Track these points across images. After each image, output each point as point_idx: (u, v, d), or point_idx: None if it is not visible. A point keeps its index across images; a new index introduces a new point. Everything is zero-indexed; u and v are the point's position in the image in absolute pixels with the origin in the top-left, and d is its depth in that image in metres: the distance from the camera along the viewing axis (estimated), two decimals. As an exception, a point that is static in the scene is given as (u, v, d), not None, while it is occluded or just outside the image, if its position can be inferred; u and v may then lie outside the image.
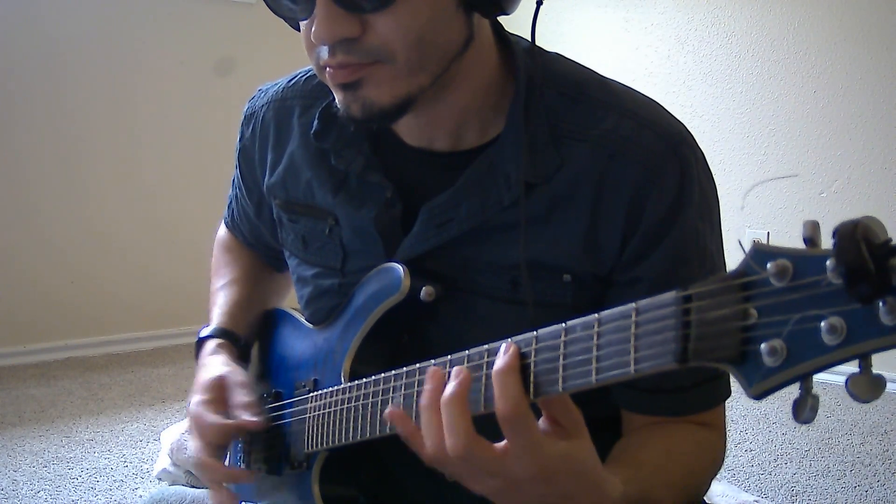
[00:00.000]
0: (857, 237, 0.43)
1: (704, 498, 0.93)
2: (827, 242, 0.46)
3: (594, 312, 0.61)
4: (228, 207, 1.21)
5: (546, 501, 0.68)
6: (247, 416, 0.93)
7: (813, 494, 2.11)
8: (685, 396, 0.88)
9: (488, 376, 0.66)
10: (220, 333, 1.08)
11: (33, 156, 3.17)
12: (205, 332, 1.08)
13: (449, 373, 0.69)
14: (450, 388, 0.67)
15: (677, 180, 0.84)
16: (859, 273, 0.43)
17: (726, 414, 0.94)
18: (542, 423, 0.68)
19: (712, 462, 0.90)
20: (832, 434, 2.49)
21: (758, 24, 3.22)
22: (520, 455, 0.64)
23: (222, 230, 1.25)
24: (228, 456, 1.03)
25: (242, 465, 1.04)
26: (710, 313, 0.52)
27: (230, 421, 0.94)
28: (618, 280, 0.87)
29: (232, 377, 0.98)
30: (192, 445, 0.96)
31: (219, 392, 0.97)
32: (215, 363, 1.02)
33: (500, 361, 0.65)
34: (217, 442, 0.94)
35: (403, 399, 0.77)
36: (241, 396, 0.95)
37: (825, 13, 3.05)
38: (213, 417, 0.94)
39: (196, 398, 0.97)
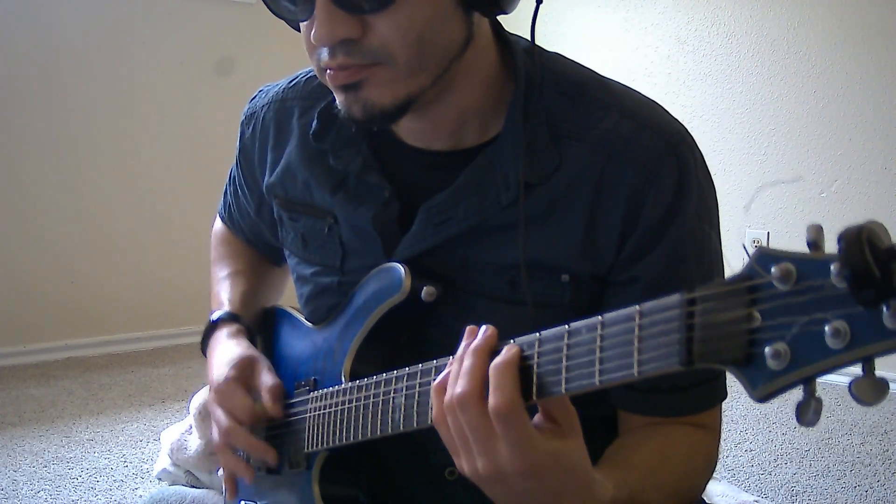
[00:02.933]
0: (862, 242, 0.43)
1: (704, 498, 0.93)
2: (830, 246, 0.46)
3: (593, 312, 0.62)
4: (225, 203, 1.21)
5: (533, 497, 0.68)
6: (269, 400, 0.94)
7: (813, 494, 2.11)
8: (682, 397, 0.88)
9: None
10: (236, 319, 1.08)
11: (33, 155, 3.17)
12: (218, 314, 1.09)
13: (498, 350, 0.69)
14: (477, 340, 0.69)
15: (675, 180, 0.85)
16: (864, 277, 0.43)
17: (726, 414, 0.94)
18: (537, 419, 0.68)
19: (706, 465, 0.90)
20: (832, 434, 2.49)
21: (758, 24, 3.22)
22: (510, 448, 0.65)
23: (218, 223, 1.26)
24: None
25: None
26: (715, 316, 0.52)
27: (258, 406, 0.95)
28: (615, 279, 0.87)
29: (262, 360, 1.00)
30: (217, 414, 0.96)
31: (248, 370, 0.98)
32: (242, 345, 1.02)
33: (499, 357, 0.66)
34: (243, 420, 0.95)
35: (405, 399, 0.77)
36: (269, 379, 0.96)
37: (825, 13, 3.04)
38: (245, 398, 0.95)
39: (224, 372, 0.97)
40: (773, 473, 2.23)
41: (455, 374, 0.69)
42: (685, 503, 0.86)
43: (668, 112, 0.90)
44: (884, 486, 2.16)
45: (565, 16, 3.67)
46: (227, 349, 1.02)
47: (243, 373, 0.98)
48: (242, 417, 0.95)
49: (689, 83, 3.41)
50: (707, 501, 0.95)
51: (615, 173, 0.85)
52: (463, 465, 0.69)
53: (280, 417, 0.96)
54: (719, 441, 0.93)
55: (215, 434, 0.98)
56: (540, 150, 0.86)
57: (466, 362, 0.68)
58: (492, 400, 0.64)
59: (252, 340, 1.08)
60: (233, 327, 1.06)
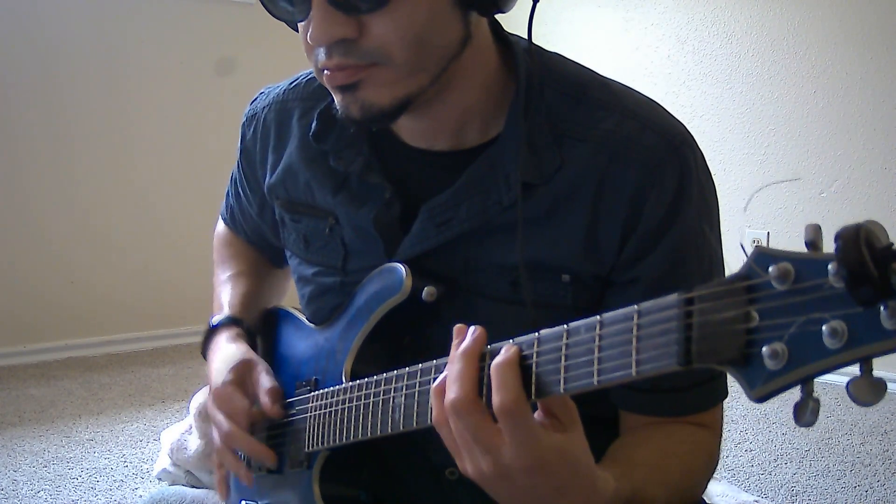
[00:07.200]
0: (859, 241, 0.43)
1: (704, 498, 0.93)
2: (828, 246, 0.46)
3: (595, 313, 0.62)
4: (226, 204, 1.21)
5: (537, 493, 0.68)
6: (268, 402, 0.95)
7: (813, 494, 2.11)
8: (682, 397, 0.88)
9: (489, 376, 0.66)
10: (237, 322, 1.09)
11: (32, 156, 3.17)
12: (218, 319, 1.09)
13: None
14: (466, 342, 0.69)
15: (677, 180, 0.85)
16: (861, 277, 0.43)
17: (726, 414, 0.94)
18: (537, 415, 0.68)
19: (707, 464, 0.90)
20: (832, 434, 2.49)
21: (758, 24, 3.22)
22: (515, 446, 0.65)
23: (221, 225, 1.26)
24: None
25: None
26: (713, 316, 0.52)
27: (256, 409, 0.96)
28: (617, 280, 0.87)
29: (259, 363, 1.00)
30: (217, 418, 0.97)
31: (246, 374, 0.99)
32: (241, 349, 1.03)
33: (499, 357, 0.66)
34: (241, 423, 0.96)
35: (405, 399, 0.77)
36: (267, 381, 0.97)
37: (825, 13, 3.04)
38: (243, 401, 0.96)
39: (222, 377, 0.98)
40: (773, 473, 2.23)
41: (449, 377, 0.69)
42: (687, 501, 0.86)
43: (669, 112, 0.90)
44: (884, 486, 2.16)
45: (565, 16, 3.67)
46: (227, 353, 1.02)
47: (241, 376, 0.98)
48: (241, 420, 0.95)
49: (689, 83, 3.41)
50: (707, 501, 0.95)
51: (617, 173, 0.85)
52: (466, 466, 0.69)
53: (279, 418, 0.97)
54: (721, 440, 0.93)
55: (216, 437, 0.99)
56: (542, 151, 0.86)
57: (457, 366, 0.68)
58: (496, 398, 0.64)
59: (252, 343, 1.09)
60: (232, 331, 1.07)
